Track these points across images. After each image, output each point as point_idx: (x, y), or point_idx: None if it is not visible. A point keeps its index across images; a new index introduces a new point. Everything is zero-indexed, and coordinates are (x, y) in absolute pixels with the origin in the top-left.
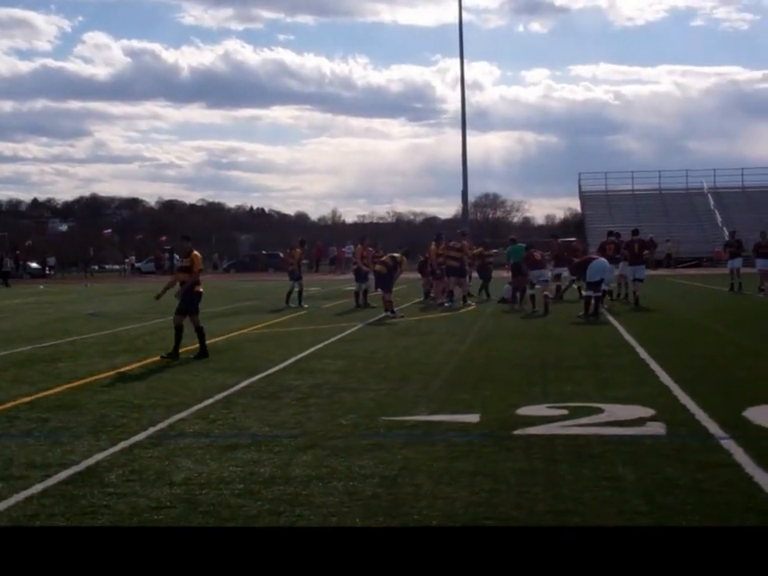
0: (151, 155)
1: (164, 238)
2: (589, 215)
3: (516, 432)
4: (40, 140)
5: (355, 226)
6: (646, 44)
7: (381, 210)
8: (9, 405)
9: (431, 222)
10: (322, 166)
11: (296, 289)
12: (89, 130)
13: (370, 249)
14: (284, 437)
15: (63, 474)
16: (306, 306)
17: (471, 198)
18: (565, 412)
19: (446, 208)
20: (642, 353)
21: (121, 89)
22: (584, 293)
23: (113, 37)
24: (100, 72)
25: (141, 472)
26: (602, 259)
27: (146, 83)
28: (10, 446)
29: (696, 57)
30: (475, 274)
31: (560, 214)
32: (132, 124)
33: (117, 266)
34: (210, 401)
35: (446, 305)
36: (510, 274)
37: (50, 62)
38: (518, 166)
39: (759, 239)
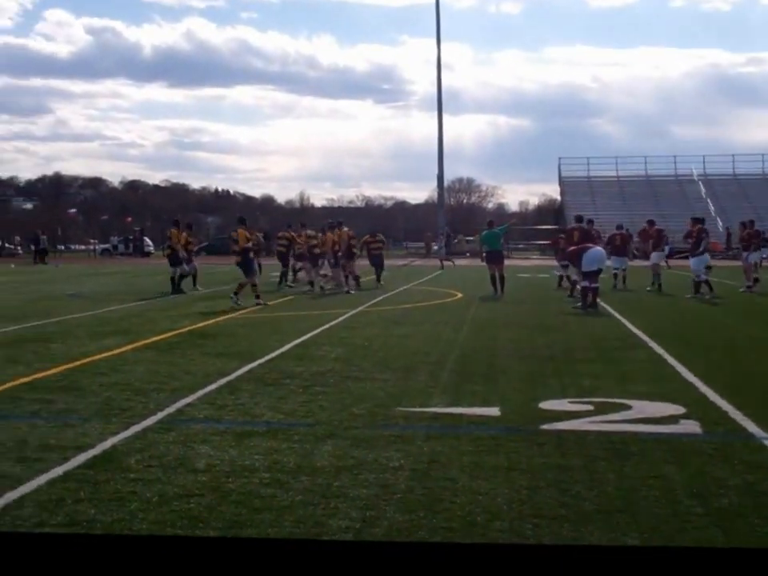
0: (112, 134)
1: (130, 219)
2: (569, 201)
3: (544, 427)
4: (1, 117)
5: (323, 209)
6: (624, 25)
7: (349, 194)
8: (8, 385)
9: (401, 207)
10: (286, 148)
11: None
12: (50, 107)
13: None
14: (299, 425)
15: (82, 458)
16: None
17: (444, 183)
18: (590, 407)
19: (416, 192)
20: (656, 347)
21: (82, 67)
22: (580, 283)
23: (74, 14)
24: (61, 50)
25: (160, 458)
26: (598, 248)
27: (108, 61)
28: (20, 426)
29: (676, 39)
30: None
31: (534, 200)
32: (92, 102)
33: (82, 247)
34: (214, 386)
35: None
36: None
37: (11, 40)
38: (490, 150)
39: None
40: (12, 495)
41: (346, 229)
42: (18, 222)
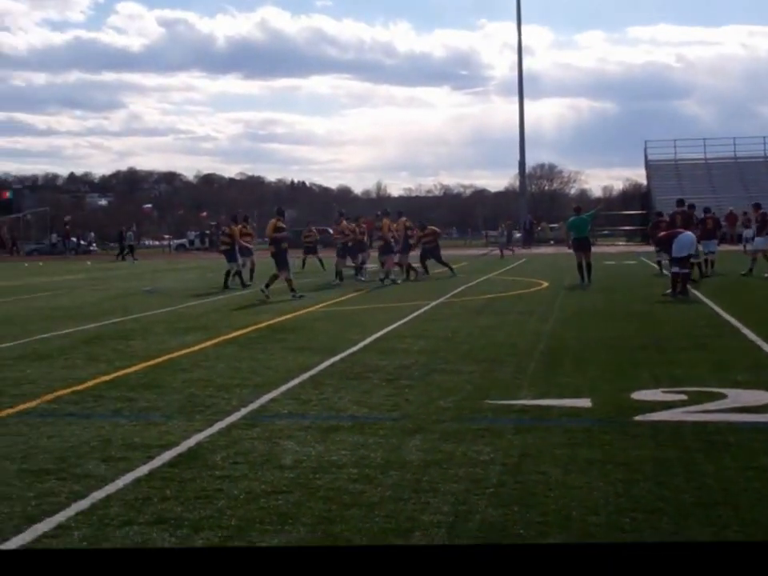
0: (186, 128)
1: (205, 214)
2: (656, 186)
3: (637, 418)
4: (74, 113)
5: (401, 199)
6: (709, 3)
7: (427, 183)
8: (89, 383)
9: (481, 195)
10: (362, 137)
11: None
12: (123, 102)
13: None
14: (385, 419)
15: (166, 456)
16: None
17: (526, 170)
18: (684, 397)
19: (496, 180)
20: (750, 333)
21: (155, 60)
22: (671, 269)
23: (146, 6)
24: (134, 43)
25: (246, 454)
26: (689, 233)
27: (181, 54)
28: (103, 425)
29: (765, 16)
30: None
31: (618, 185)
32: (166, 96)
33: (156, 242)
34: (297, 381)
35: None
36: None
37: (83, 34)
38: (572, 134)
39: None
40: (98, 495)
41: (403, 219)
42: (94, 219)
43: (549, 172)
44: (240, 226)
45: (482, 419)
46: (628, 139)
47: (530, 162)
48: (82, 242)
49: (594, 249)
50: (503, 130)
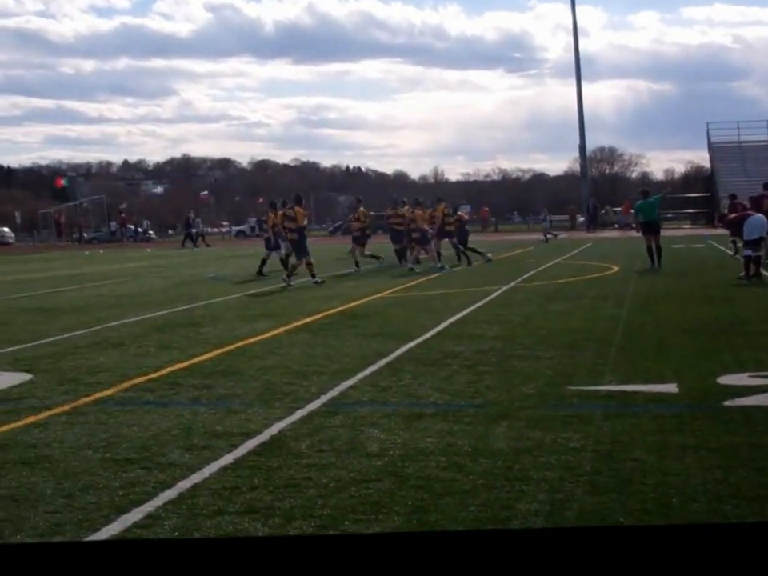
0: (238, 114)
1: (261, 200)
2: (720, 168)
3: (726, 403)
4: (125, 100)
5: (459, 184)
6: None
7: (484, 167)
8: (165, 371)
9: (540, 179)
10: (416, 122)
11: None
12: (174, 88)
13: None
14: (469, 406)
15: (250, 444)
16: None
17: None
18: None
19: (554, 164)
20: None
21: (204, 46)
22: (743, 252)
23: None
24: (181, 29)
25: (330, 442)
26: (760, 215)
27: (229, 39)
28: (182, 413)
29: None
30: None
31: (679, 168)
32: (217, 82)
33: (214, 230)
34: (374, 367)
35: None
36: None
37: (129, 20)
38: (630, 117)
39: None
40: (185, 484)
41: (442, 205)
42: (149, 207)
43: (609, 155)
44: (280, 213)
45: (568, 406)
46: (688, 121)
47: (590, 145)
48: (140, 230)
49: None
50: (560, 113)
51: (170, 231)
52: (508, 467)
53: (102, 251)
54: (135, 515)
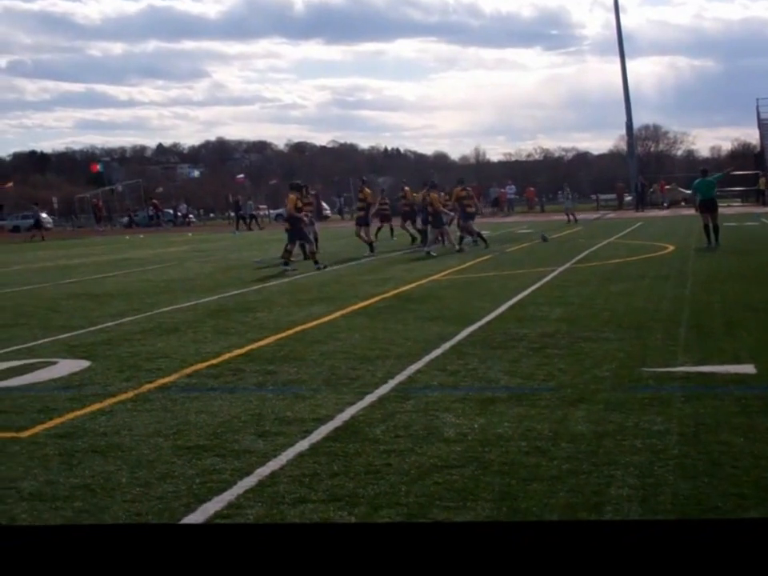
0: (272, 96)
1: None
2: None
3: None
4: (156, 83)
5: (500, 164)
6: None
7: (526, 147)
8: (225, 356)
9: (583, 158)
10: (454, 102)
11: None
12: (205, 71)
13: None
14: (543, 390)
15: (323, 430)
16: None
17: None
18: None
19: (597, 142)
20: None
21: (233, 27)
22: None
23: None
24: (209, 10)
25: (406, 428)
26: None
27: (259, 20)
28: (249, 399)
29: None
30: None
31: (726, 146)
32: (249, 63)
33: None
34: (439, 351)
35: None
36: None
37: (157, 2)
38: (673, 94)
39: None
40: (263, 471)
41: (459, 188)
42: (186, 190)
43: (654, 133)
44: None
45: (645, 388)
46: (732, 98)
47: (634, 124)
48: (179, 214)
49: None
50: (601, 91)
51: (210, 215)
52: (592, 452)
53: (141, 236)
54: (216, 504)
